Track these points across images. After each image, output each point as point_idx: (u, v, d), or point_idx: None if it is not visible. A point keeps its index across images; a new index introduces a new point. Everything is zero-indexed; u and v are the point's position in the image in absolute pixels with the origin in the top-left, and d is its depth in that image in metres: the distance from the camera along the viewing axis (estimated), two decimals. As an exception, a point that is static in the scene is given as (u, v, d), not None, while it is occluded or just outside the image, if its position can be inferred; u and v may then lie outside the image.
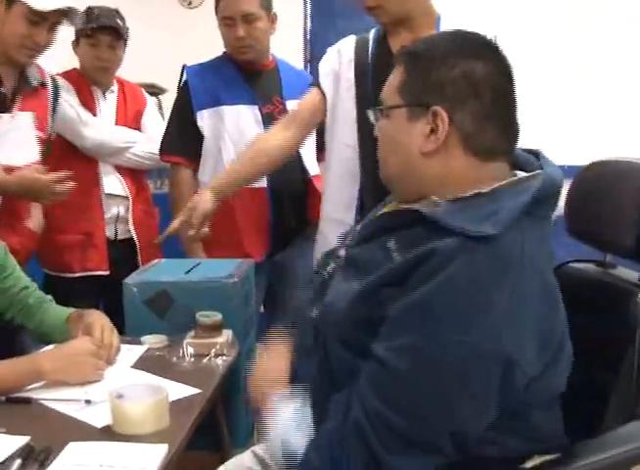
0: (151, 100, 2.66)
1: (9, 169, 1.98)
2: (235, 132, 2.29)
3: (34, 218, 2.20)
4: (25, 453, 1.17)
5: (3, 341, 1.80)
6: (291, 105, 2.33)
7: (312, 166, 2.38)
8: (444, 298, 1.03)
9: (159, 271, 2.02)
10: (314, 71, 2.09)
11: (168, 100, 2.71)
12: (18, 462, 1.14)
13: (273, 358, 1.34)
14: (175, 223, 1.87)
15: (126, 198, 2.46)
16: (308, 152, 2.37)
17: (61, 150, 2.37)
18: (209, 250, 2.34)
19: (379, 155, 1.26)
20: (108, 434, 1.27)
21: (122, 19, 2.46)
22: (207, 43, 4.37)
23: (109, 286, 2.39)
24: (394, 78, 1.21)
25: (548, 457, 1.12)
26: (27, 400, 1.40)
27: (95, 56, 2.42)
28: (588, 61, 4.11)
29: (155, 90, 3.19)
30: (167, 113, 2.55)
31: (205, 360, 1.64)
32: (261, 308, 2.47)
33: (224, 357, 1.66)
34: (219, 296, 1.87)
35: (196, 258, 2.22)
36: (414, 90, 1.16)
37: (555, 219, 1.22)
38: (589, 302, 1.36)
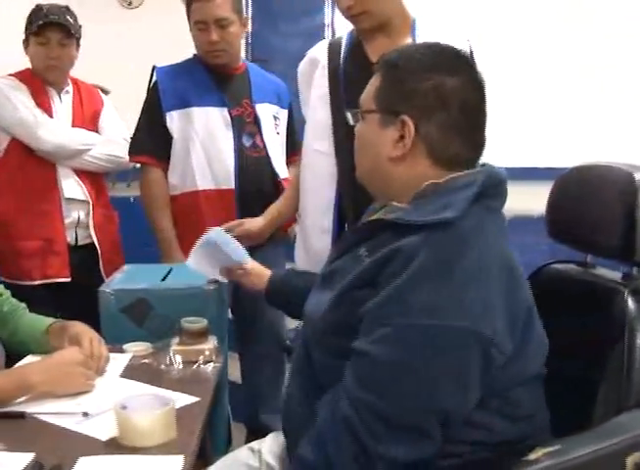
0: (107, 100, 2.60)
1: None
2: (204, 134, 2.29)
3: None
4: (36, 471, 1.14)
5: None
6: (260, 108, 2.35)
7: (281, 169, 2.39)
8: (414, 286, 1.10)
9: (133, 278, 1.98)
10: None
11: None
12: (31, 481, 1.12)
13: None
14: None
15: (86, 202, 2.41)
16: (277, 155, 2.38)
17: (17, 153, 2.31)
18: None
19: (354, 154, 1.34)
20: (115, 447, 1.25)
21: (73, 16, 2.40)
22: (148, 43, 4.35)
23: (69, 293, 2.34)
24: (373, 85, 1.28)
25: (550, 449, 1.18)
26: (21, 415, 1.36)
27: (45, 54, 2.35)
28: (572, 68, 4.26)
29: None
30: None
31: (194, 367, 1.63)
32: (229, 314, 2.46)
33: (213, 364, 1.65)
34: (198, 302, 1.86)
35: (164, 264, 2.20)
36: (387, 98, 1.24)
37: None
38: (575, 301, 1.43)
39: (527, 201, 2.91)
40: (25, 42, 2.40)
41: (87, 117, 2.47)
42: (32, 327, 1.69)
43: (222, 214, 2.31)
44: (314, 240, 1.94)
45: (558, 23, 4.27)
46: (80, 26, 2.42)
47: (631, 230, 1.31)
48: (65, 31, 2.33)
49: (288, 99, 2.49)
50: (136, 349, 1.72)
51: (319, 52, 1.97)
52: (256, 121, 2.34)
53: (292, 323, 2.65)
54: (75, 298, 2.32)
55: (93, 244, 2.44)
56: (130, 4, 4.25)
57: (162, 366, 1.63)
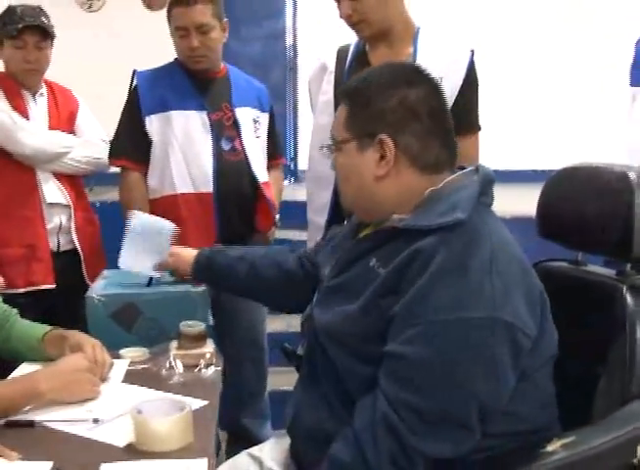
0: (82, 102, 2.55)
1: None
2: (182, 138, 2.28)
3: None
4: (61, 480, 1.13)
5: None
6: (239, 112, 2.35)
7: (261, 173, 2.40)
8: (435, 284, 1.15)
9: (117, 283, 1.95)
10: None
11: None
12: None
13: None
14: None
15: (68, 206, 2.36)
16: (257, 159, 2.39)
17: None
18: None
19: (338, 186, 1.40)
20: (134, 452, 1.24)
21: (47, 16, 2.36)
22: (108, 47, 4.28)
23: (53, 300, 2.29)
24: (340, 116, 1.33)
25: (566, 440, 1.23)
26: (30, 424, 1.34)
27: (22, 58, 2.30)
28: (566, 73, 4.36)
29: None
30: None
31: (195, 371, 1.62)
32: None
33: (214, 367, 1.65)
34: (186, 306, 1.85)
35: None
36: (359, 123, 1.29)
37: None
38: (572, 298, 1.48)
39: (513, 203, 3.00)
40: None
41: (63, 119, 2.42)
42: (26, 334, 1.65)
43: (201, 218, 2.31)
44: (311, 235, 2.06)
45: (551, 35, 4.41)
46: (53, 26, 2.37)
47: (628, 228, 1.37)
48: (41, 34, 2.29)
49: (268, 103, 2.50)
50: (133, 354, 1.71)
51: (328, 58, 2.02)
52: (236, 125, 2.34)
53: (271, 326, 2.67)
54: (59, 304, 2.29)
55: (75, 249, 2.39)
56: (90, 7, 4.17)
57: (163, 371, 1.62)
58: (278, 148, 2.60)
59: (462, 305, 1.13)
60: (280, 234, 2.70)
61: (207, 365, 1.64)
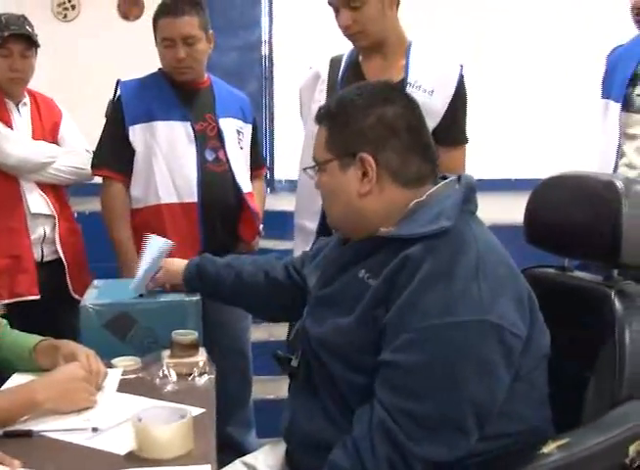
0: (65, 112, 2.54)
1: None
2: (166, 148, 2.28)
3: None
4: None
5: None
6: (223, 123, 2.35)
7: (245, 183, 2.40)
8: (424, 291, 1.18)
9: (110, 293, 1.95)
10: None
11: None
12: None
13: None
14: None
15: (52, 216, 2.35)
16: (241, 169, 2.40)
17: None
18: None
19: (323, 206, 1.44)
20: (136, 460, 1.24)
21: (31, 25, 2.35)
22: (84, 56, 4.27)
23: (37, 311, 2.28)
24: (320, 138, 1.37)
25: (561, 442, 1.26)
26: (28, 433, 1.33)
27: (7, 67, 2.29)
28: (556, 83, 4.44)
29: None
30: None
31: (189, 380, 1.62)
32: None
33: (207, 376, 1.65)
34: (180, 315, 1.85)
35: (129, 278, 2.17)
36: (339, 143, 1.32)
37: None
38: (561, 303, 1.51)
39: (498, 211, 3.05)
40: None
41: (46, 129, 2.42)
42: (17, 345, 1.64)
43: (185, 228, 2.32)
44: (298, 242, 2.09)
45: (535, 47, 4.51)
46: (37, 35, 2.37)
47: (616, 236, 1.40)
48: (27, 42, 2.29)
49: (251, 114, 2.52)
50: (125, 363, 1.70)
51: (322, 67, 2.04)
52: (220, 136, 2.35)
53: (253, 335, 2.67)
54: (43, 315, 2.27)
55: (59, 259, 2.38)
56: (65, 17, 4.15)
57: (157, 380, 1.62)
58: (261, 158, 2.62)
59: (450, 309, 1.17)
60: (259, 244, 2.71)
61: (201, 374, 1.65)
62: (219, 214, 2.36)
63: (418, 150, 1.31)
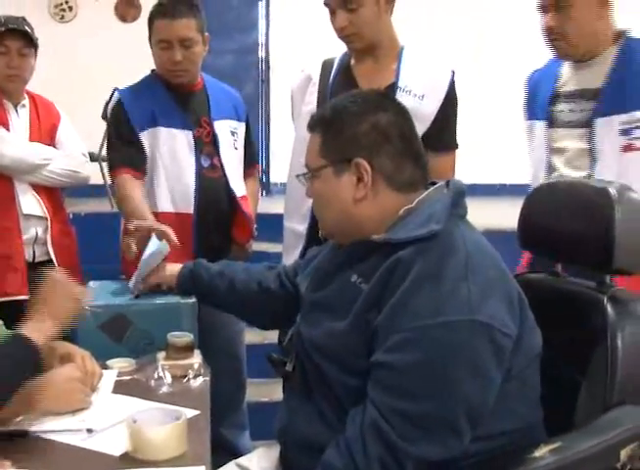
0: (64, 115, 2.54)
1: None
2: (168, 157, 2.26)
3: None
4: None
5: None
6: (218, 126, 2.33)
7: (239, 188, 2.39)
8: (414, 292, 1.20)
9: (106, 294, 1.95)
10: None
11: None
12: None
13: None
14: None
15: (44, 218, 2.36)
16: (235, 173, 2.39)
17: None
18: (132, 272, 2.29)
19: (315, 213, 1.44)
20: (130, 461, 1.25)
21: (30, 26, 2.36)
22: (81, 57, 4.27)
23: (25, 311, 2.27)
24: (313, 144, 1.38)
25: (553, 446, 1.27)
26: (23, 434, 1.33)
27: (5, 64, 2.30)
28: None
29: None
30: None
31: (184, 382, 1.63)
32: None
33: (202, 378, 1.66)
34: (176, 317, 1.86)
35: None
36: (334, 149, 1.34)
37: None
38: (554, 308, 1.52)
39: (492, 216, 3.06)
40: None
41: (44, 131, 2.42)
42: (12, 345, 1.64)
43: (179, 235, 2.27)
44: (287, 244, 2.10)
45: (525, 53, 4.51)
46: (37, 38, 2.38)
47: (608, 242, 1.42)
48: (25, 40, 2.29)
49: (244, 111, 2.49)
50: (120, 365, 1.71)
51: (313, 70, 2.05)
52: (214, 141, 2.33)
53: (247, 338, 2.68)
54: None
55: (51, 260, 2.38)
56: (62, 18, 4.15)
57: (152, 381, 1.63)
58: (254, 155, 2.60)
59: (440, 310, 1.18)
60: (254, 246, 2.72)
61: (196, 376, 1.65)
62: (213, 220, 2.34)
63: (410, 156, 1.34)
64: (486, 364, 1.19)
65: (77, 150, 2.46)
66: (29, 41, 2.31)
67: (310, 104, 2.00)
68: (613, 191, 1.44)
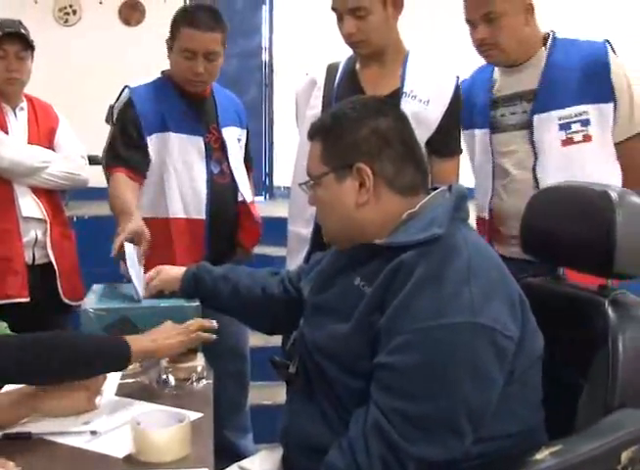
0: (63, 118, 2.56)
1: None
2: (180, 163, 2.25)
3: None
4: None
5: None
6: (226, 133, 2.34)
7: (247, 193, 2.40)
8: (416, 294, 1.21)
9: (110, 297, 1.96)
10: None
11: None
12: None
13: None
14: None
15: (44, 221, 2.37)
16: (243, 178, 2.39)
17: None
18: None
19: (319, 221, 1.46)
20: (135, 463, 1.26)
21: (26, 29, 2.38)
22: (85, 61, 4.29)
23: (26, 313, 2.29)
24: (314, 152, 1.39)
25: (554, 448, 1.28)
26: (27, 436, 1.34)
27: (4, 67, 2.31)
28: None
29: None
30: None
31: (187, 384, 1.64)
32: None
33: (205, 381, 1.67)
34: (180, 320, 1.84)
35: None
36: (335, 156, 1.35)
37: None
38: (556, 311, 1.53)
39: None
40: None
41: (43, 134, 2.43)
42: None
43: (190, 241, 2.29)
44: (291, 248, 2.10)
45: None
46: (33, 41, 2.39)
47: (610, 246, 1.42)
48: (22, 43, 2.31)
49: (245, 117, 2.51)
50: (124, 367, 1.71)
51: (318, 74, 2.05)
52: (223, 147, 2.33)
53: (250, 341, 2.69)
54: (33, 317, 2.27)
55: (50, 263, 2.39)
56: (67, 22, 4.18)
57: (156, 384, 1.63)
58: (250, 159, 2.60)
59: (442, 312, 1.19)
60: (256, 250, 2.73)
61: (199, 379, 1.66)
62: (223, 226, 2.35)
63: (411, 160, 1.35)
64: (488, 366, 1.20)
65: (76, 152, 2.47)
66: (27, 44, 2.32)
67: (315, 108, 2.01)
68: (614, 194, 1.44)
